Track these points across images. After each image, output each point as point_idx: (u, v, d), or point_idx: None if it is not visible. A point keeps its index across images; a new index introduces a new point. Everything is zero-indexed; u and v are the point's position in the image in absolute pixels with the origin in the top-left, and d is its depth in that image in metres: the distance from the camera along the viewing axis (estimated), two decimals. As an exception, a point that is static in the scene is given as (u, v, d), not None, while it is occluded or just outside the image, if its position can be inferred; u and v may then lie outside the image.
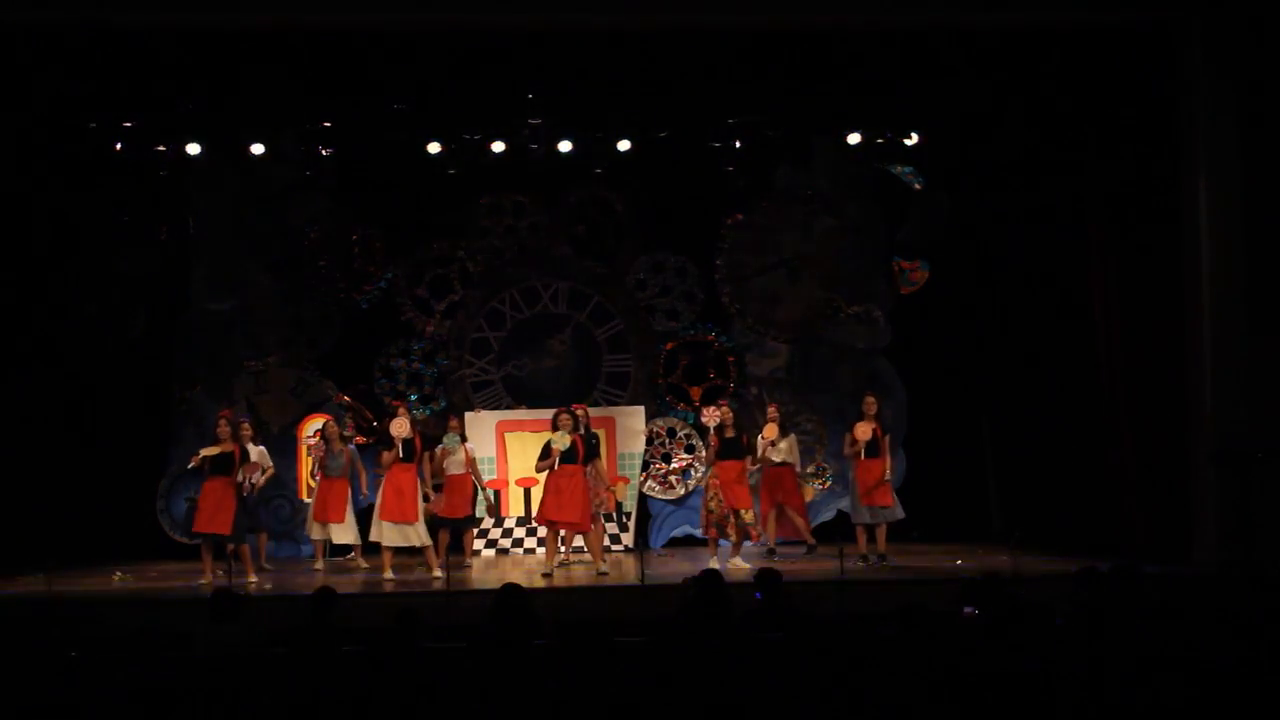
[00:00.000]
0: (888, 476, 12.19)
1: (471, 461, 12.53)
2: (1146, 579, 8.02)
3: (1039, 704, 5.51)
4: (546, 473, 11.75)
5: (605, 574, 11.98)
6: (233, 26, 11.56)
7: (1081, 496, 12.67)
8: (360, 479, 12.94)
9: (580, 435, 11.73)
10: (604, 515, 13.28)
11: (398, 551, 12.08)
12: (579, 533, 11.96)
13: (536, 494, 12.63)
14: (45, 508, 12.71)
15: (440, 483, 12.58)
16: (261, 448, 12.43)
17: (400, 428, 11.82)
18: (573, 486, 11.62)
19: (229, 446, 11.76)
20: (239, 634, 7.49)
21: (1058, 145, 12.61)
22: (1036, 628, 6.47)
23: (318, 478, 13.37)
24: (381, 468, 11.98)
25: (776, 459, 12.56)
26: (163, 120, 12.54)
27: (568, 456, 11.65)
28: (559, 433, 11.60)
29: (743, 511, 11.98)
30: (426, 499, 12.19)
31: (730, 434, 12.12)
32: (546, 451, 11.71)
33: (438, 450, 12.40)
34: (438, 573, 11.57)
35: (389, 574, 11.69)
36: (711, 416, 12.24)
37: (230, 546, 11.75)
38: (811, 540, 12.69)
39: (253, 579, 11.68)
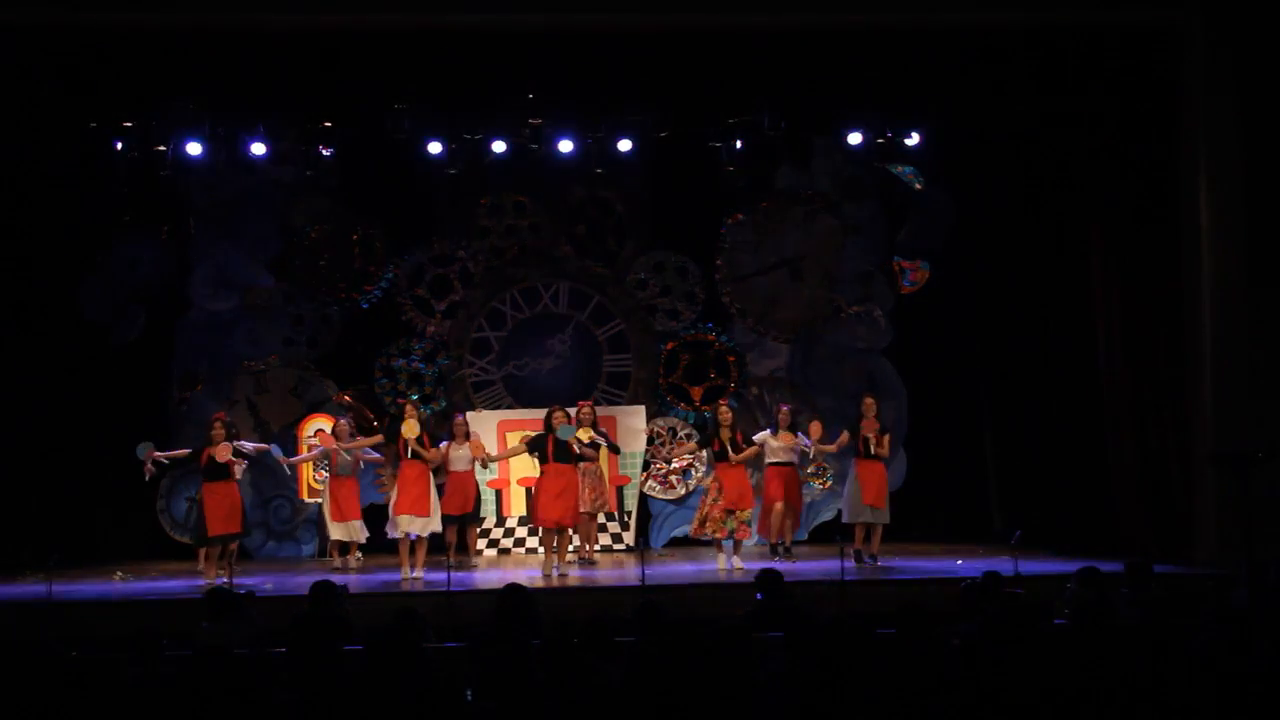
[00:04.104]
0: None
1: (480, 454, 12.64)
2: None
3: (1039, 704, 5.51)
4: (540, 469, 11.98)
5: (593, 563, 12.42)
6: (233, 26, 11.58)
7: (1082, 496, 12.69)
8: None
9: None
10: (605, 514, 13.31)
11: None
12: (569, 527, 12.01)
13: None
14: (45, 508, 12.73)
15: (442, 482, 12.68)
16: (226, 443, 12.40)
17: (411, 430, 11.93)
18: (561, 485, 11.77)
19: (224, 451, 11.80)
20: (238, 633, 7.50)
21: (1058, 145, 12.61)
22: (1036, 628, 6.47)
23: (320, 477, 13.37)
24: (383, 471, 12.19)
25: (780, 458, 12.54)
26: (163, 120, 12.53)
27: (560, 455, 11.76)
28: (570, 425, 11.85)
29: (738, 511, 11.96)
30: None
31: (726, 433, 12.13)
32: (540, 442, 11.96)
33: (443, 446, 12.46)
34: (408, 572, 11.75)
35: (408, 571, 11.77)
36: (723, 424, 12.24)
37: (233, 545, 11.87)
38: (789, 539, 12.69)
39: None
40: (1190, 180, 11.83)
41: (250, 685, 5.54)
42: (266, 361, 14.38)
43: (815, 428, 12.55)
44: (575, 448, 11.97)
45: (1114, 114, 12.14)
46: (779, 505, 12.55)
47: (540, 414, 12.49)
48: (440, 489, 12.60)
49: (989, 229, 13.87)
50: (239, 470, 12.09)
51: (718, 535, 12.00)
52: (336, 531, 12.70)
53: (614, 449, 12.89)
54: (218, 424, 11.96)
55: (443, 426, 13.48)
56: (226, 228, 14.37)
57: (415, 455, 11.98)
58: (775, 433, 12.54)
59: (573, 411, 12.31)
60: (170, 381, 14.19)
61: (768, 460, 12.57)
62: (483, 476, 13.28)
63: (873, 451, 12.23)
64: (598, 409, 12.88)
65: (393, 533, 12.02)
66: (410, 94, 12.31)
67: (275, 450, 12.74)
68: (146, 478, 12.17)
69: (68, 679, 5.68)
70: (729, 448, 12.06)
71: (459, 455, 12.48)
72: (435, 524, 12.10)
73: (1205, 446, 11.59)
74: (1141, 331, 12.21)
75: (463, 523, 12.75)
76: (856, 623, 6.11)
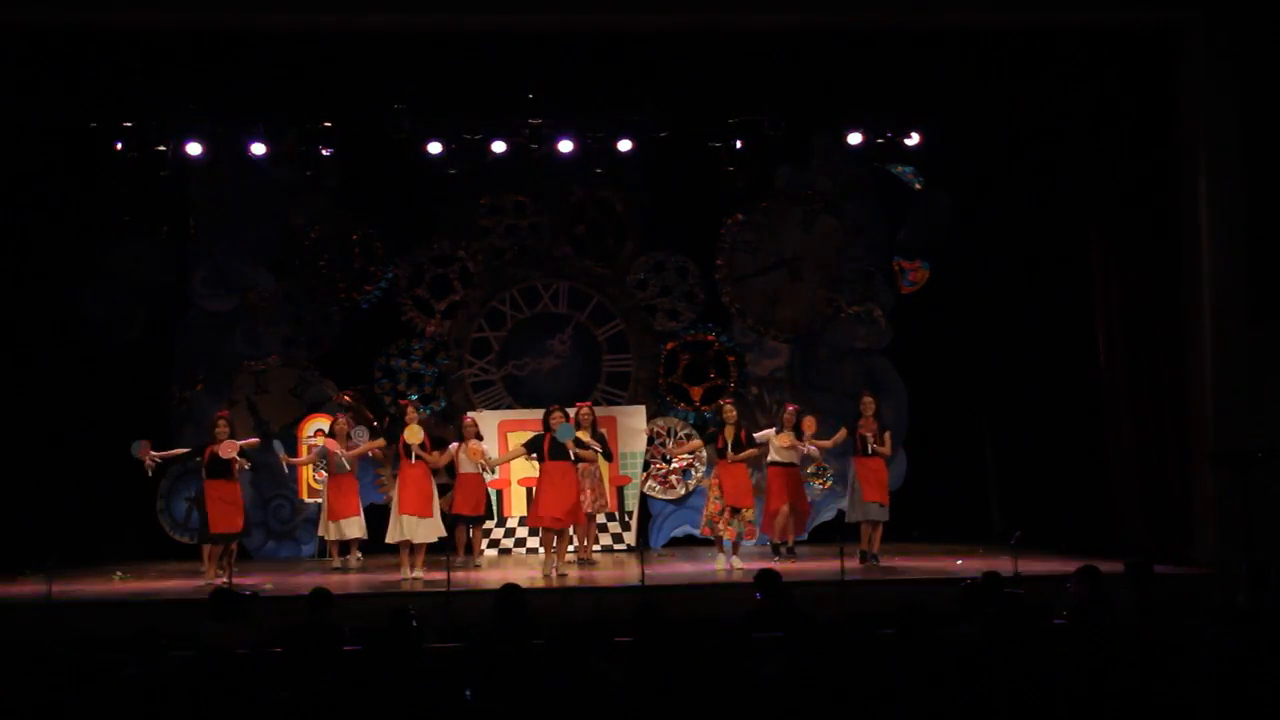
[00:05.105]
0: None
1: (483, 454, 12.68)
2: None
3: (1039, 704, 5.51)
4: (539, 467, 11.96)
5: (593, 563, 12.43)
6: (234, 26, 11.57)
7: (1081, 496, 12.68)
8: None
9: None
10: (605, 514, 13.31)
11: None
12: (568, 526, 12.02)
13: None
14: (45, 508, 12.72)
15: (446, 482, 12.72)
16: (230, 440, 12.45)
17: (414, 435, 11.99)
18: (559, 484, 11.76)
19: (229, 448, 11.79)
20: (242, 633, 7.51)
21: (1058, 145, 12.61)
22: (1036, 628, 6.47)
23: (320, 476, 13.37)
24: (382, 471, 12.28)
25: (782, 458, 12.54)
26: (163, 120, 12.53)
27: (557, 453, 11.73)
28: (562, 426, 11.81)
29: (743, 510, 11.98)
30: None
31: (730, 430, 12.13)
32: (537, 443, 11.91)
33: (452, 447, 12.54)
34: (408, 573, 11.76)
35: (408, 571, 11.79)
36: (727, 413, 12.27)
37: (234, 545, 11.89)
38: (791, 540, 12.69)
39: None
40: (1190, 180, 11.82)
41: (251, 685, 5.55)
42: (266, 361, 14.38)
43: (809, 423, 12.54)
44: (571, 450, 11.93)
45: (1114, 114, 12.13)
46: (784, 508, 12.53)
47: (540, 414, 12.49)
48: (444, 489, 12.63)
49: (989, 229, 13.87)
50: (240, 469, 12.10)
51: (727, 535, 12.00)
52: (332, 531, 12.67)
53: (606, 455, 12.73)
54: (221, 422, 11.96)
55: (443, 427, 13.51)
56: (226, 228, 14.37)
57: (418, 458, 11.97)
58: (779, 431, 12.53)
59: (571, 412, 12.31)
60: (170, 381, 14.18)
61: (769, 459, 12.57)
62: (485, 477, 13.31)
63: (871, 449, 12.23)
64: (598, 409, 12.88)
65: (394, 537, 11.99)
66: (410, 94, 12.30)
67: (278, 445, 12.72)
68: (149, 473, 12.14)
69: (68, 679, 5.69)
70: (730, 446, 12.06)
71: (468, 457, 12.52)
72: (437, 528, 12.06)
73: (1205, 446, 11.58)
74: (1141, 331, 12.21)
75: (472, 524, 12.78)
76: (856, 623, 6.12)
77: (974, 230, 14.08)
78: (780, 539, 12.64)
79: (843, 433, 12.47)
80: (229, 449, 11.77)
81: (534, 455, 12.07)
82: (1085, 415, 12.68)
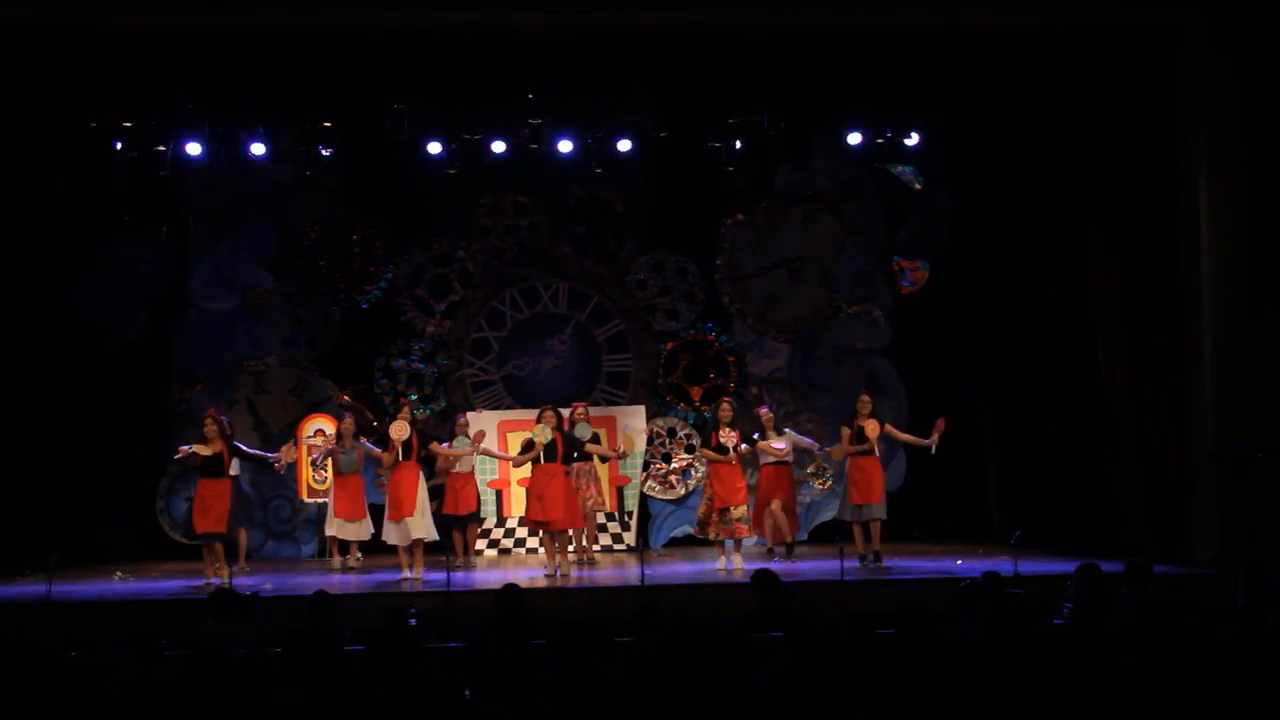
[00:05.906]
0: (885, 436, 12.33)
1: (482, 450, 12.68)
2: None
3: (1039, 704, 5.51)
4: (531, 469, 11.88)
5: (593, 563, 12.43)
6: (234, 26, 11.58)
7: (1081, 496, 12.68)
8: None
9: (562, 433, 11.84)
10: (604, 514, 13.31)
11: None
12: (567, 529, 12.00)
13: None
14: (45, 507, 12.73)
15: (440, 483, 12.72)
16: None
17: (400, 430, 11.91)
18: (554, 485, 11.68)
19: (217, 446, 11.76)
20: (243, 633, 7.51)
21: (1058, 145, 12.61)
22: (1036, 628, 6.47)
23: (320, 476, 13.37)
24: (383, 470, 12.24)
25: (773, 457, 12.52)
26: (163, 120, 12.53)
27: (548, 454, 11.72)
28: (540, 426, 11.75)
29: (733, 508, 11.92)
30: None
31: (726, 430, 12.11)
32: (529, 445, 11.84)
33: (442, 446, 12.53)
34: (407, 573, 11.77)
35: (408, 572, 11.79)
36: (729, 437, 12.09)
37: (219, 545, 11.88)
38: (790, 539, 12.66)
39: (242, 566, 12.03)
40: (1190, 180, 11.82)
41: (251, 685, 5.54)
42: (266, 361, 14.38)
43: (768, 419, 12.60)
44: (588, 449, 12.04)
45: (1113, 114, 12.14)
46: (772, 505, 12.50)
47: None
48: (437, 490, 12.62)
49: (989, 229, 13.87)
50: (234, 466, 12.09)
51: (720, 536, 11.98)
52: (344, 530, 12.59)
53: (608, 455, 12.85)
54: (209, 421, 11.92)
55: (442, 428, 13.50)
56: (226, 228, 14.37)
57: (405, 455, 11.95)
58: (763, 437, 12.48)
59: (566, 412, 12.27)
60: (170, 381, 14.19)
61: (762, 460, 12.56)
62: (483, 477, 13.30)
63: (933, 447, 12.19)
64: (598, 409, 12.87)
65: (386, 538, 12.03)
66: (410, 94, 12.32)
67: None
68: (182, 452, 12.15)
69: (68, 679, 5.68)
70: (723, 444, 12.03)
71: (462, 458, 12.51)
72: (423, 527, 11.95)
73: (1205, 446, 11.59)
74: (1141, 331, 12.21)
75: (464, 523, 12.77)
76: (856, 623, 6.12)
77: (974, 230, 14.08)
78: (776, 541, 12.58)
79: (815, 448, 12.73)
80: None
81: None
82: (1085, 415, 12.67)
